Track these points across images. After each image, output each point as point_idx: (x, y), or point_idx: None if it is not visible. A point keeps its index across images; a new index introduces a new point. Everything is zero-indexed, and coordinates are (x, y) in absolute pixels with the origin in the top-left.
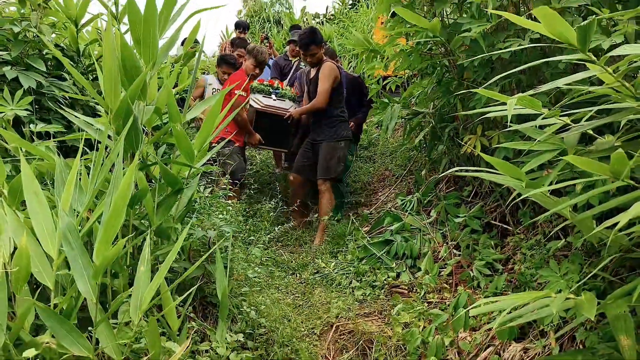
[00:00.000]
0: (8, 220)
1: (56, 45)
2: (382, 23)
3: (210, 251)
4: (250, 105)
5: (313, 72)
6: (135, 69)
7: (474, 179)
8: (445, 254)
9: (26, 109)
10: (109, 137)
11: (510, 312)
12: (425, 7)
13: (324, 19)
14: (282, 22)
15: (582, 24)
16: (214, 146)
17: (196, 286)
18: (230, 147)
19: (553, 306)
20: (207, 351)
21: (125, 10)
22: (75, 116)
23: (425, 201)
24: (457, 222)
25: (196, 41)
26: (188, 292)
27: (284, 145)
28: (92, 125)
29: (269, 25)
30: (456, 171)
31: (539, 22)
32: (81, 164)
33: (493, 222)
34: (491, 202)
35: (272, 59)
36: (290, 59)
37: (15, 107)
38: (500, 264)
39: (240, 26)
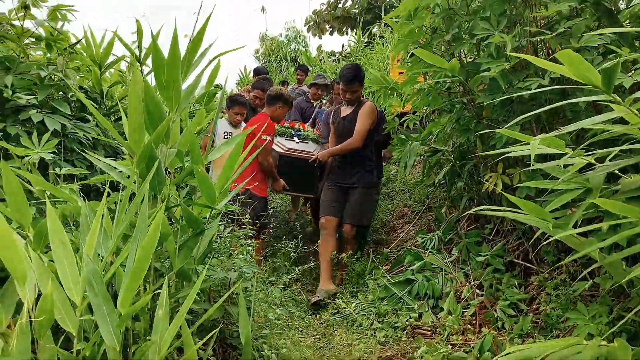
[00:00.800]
0: (33, 265)
1: (80, 88)
2: (398, 61)
3: (230, 292)
4: (272, 149)
5: (347, 111)
6: (159, 113)
7: (496, 216)
8: (468, 294)
9: (51, 152)
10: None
11: None
12: (443, 47)
13: (340, 56)
14: (298, 60)
15: (606, 65)
16: (241, 198)
17: (218, 328)
18: (258, 203)
19: (586, 355)
20: None
21: (149, 53)
22: (98, 159)
23: (446, 239)
24: (479, 261)
25: (216, 85)
26: (210, 335)
27: (310, 190)
28: (115, 168)
29: (286, 63)
30: (479, 210)
31: (560, 63)
32: (105, 207)
33: (516, 260)
34: (513, 240)
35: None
36: (312, 101)
37: (41, 150)
38: (524, 304)
39: (260, 72)
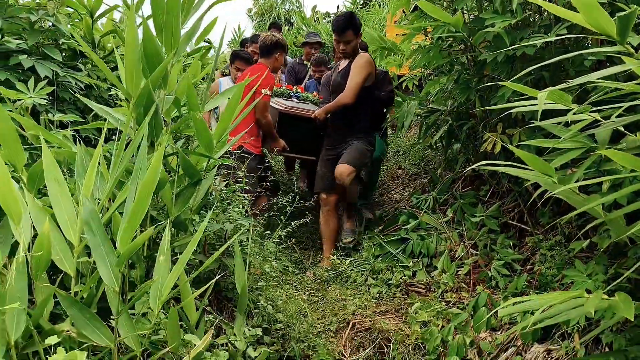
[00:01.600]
0: (29, 206)
1: (71, 37)
2: (395, 21)
3: (227, 244)
4: (271, 107)
5: (343, 65)
6: (157, 57)
7: (492, 177)
8: (462, 254)
9: (44, 98)
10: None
11: (538, 313)
12: (445, 2)
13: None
14: (292, 21)
15: (622, 14)
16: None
17: (215, 278)
18: (252, 162)
19: (589, 307)
20: (224, 345)
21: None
22: (93, 104)
23: (441, 200)
24: (474, 222)
25: (208, 41)
26: (207, 285)
27: (311, 152)
28: (110, 114)
29: (280, 23)
30: (481, 166)
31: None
32: (101, 153)
33: (511, 222)
34: (509, 201)
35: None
36: (305, 62)
37: (34, 95)
38: (518, 265)
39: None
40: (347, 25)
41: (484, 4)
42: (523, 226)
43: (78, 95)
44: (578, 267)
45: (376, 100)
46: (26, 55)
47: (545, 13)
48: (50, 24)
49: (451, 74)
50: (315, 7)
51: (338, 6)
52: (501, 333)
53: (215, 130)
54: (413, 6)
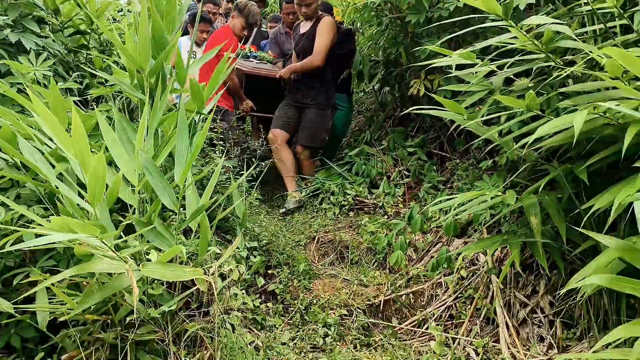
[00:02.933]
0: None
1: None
2: None
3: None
4: (236, 69)
5: (305, 27)
6: (162, 37)
7: (417, 115)
8: (397, 177)
9: (48, 70)
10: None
11: (454, 210)
12: None
13: None
14: None
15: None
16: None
17: (227, 211)
18: (226, 118)
19: (488, 197)
20: (233, 256)
21: None
22: (97, 71)
23: (375, 136)
24: (405, 151)
25: None
26: (223, 213)
27: (275, 109)
28: (122, 82)
29: None
30: (413, 110)
31: None
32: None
33: (434, 151)
34: (431, 134)
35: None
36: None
37: (40, 68)
38: (441, 185)
39: None
40: None
41: None
42: (443, 154)
43: (84, 66)
44: (485, 180)
45: (337, 57)
46: (10, 29)
47: None
48: None
49: (380, 28)
50: None
51: None
52: (430, 235)
53: (205, 91)
54: None
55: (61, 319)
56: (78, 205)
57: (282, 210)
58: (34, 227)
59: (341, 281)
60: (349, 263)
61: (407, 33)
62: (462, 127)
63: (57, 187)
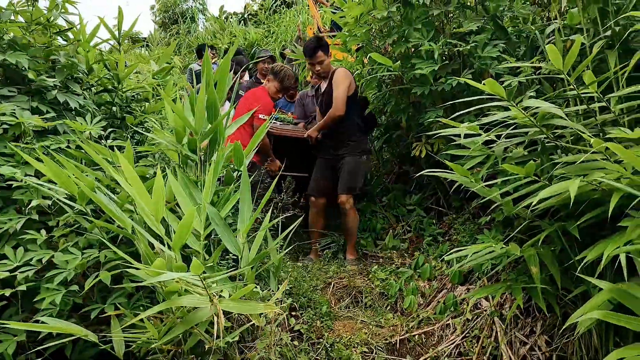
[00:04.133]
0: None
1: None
2: (313, 34)
3: (277, 242)
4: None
5: (324, 86)
6: (215, 107)
7: (415, 174)
8: (401, 231)
9: (102, 129)
10: (193, 151)
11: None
12: (379, 45)
13: (242, 18)
14: (196, 19)
15: (505, 84)
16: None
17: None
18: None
19: (496, 251)
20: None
21: (125, 35)
22: (153, 136)
23: (376, 191)
24: (406, 208)
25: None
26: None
27: (305, 169)
28: (170, 142)
29: (185, 20)
30: (427, 173)
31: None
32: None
33: (431, 206)
34: (429, 191)
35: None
36: (262, 81)
37: (94, 127)
38: (440, 237)
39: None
40: (316, 47)
41: (409, 49)
42: (440, 209)
43: (137, 128)
44: (486, 234)
45: (362, 103)
46: (56, 90)
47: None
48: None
49: (384, 97)
50: (222, 7)
51: (245, 6)
52: (435, 282)
53: (245, 151)
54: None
55: (136, 349)
56: (151, 248)
57: (304, 262)
58: (137, 268)
59: (359, 322)
60: (363, 306)
61: (409, 102)
62: (457, 185)
63: (134, 233)
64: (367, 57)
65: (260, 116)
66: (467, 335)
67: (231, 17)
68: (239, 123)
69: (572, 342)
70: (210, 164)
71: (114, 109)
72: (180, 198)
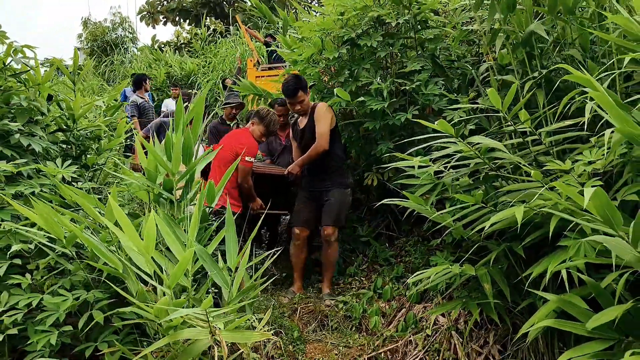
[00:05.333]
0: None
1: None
2: (253, 65)
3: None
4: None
5: (304, 122)
6: (189, 149)
7: (366, 200)
8: (358, 261)
9: (73, 172)
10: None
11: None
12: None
13: (177, 47)
14: (127, 48)
15: (448, 118)
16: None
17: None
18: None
19: (453, 271)
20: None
21: (82, 75)
22: (125, 176)
23: None
24: (361, 240)
25: None
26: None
27: (286, 206)
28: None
29: (114, 50)
30: (386, 202)
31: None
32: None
33: (382, 231)
34: (379, 217)
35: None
36: (228, 123)
37: (64, 171)
38: (393, 259)
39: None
40: (296, 87)
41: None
42: (391, 233)
43: (112, 172)
44: (438, 255)
45: (340, 138)
46: (18, 134)
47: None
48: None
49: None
50: (154, 36)
51: (178, 36)
52: (394, 302)
53: (215, 189)
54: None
55: None
56: (144, 286)
57: (287, 296)
58: (140, 307)
59: (329, 344)
60: (330, 329)
61: (359, 135)
62: (415, 213)
63: (126, 273)
64: (317, 93)
65: (247, 158)
66: (428, 349)
67: (163, 47)
68: (209, 160)
69: (521, 349)
70: (185, 203)
71: (70, 147)
72: (168, 237)
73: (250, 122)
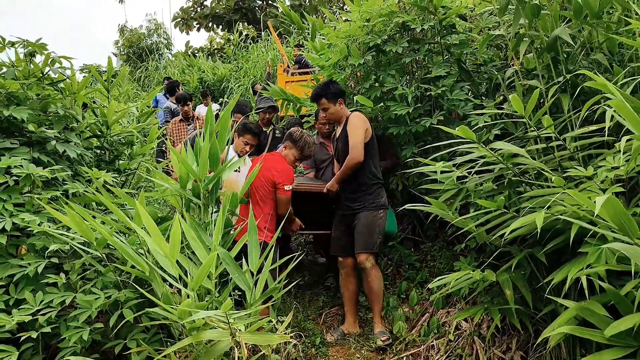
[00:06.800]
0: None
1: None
2: (284, 70)
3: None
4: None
5: (338, 131)
6: (216, 156)
7: (392, 206)
8: (382, 265)
9: (114, 177)
10: (197, 196)
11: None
12: (357, 87)
13: (209, 53)
14: (162, 54)
15: (473, 123)
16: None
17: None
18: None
19: (474, 277)
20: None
21: (118, 82)
22: (160, 181)
23: None
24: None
25: None
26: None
27: (327, 226)
28: (176, 188)
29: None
30: (411, 207)
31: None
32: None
33: (408, 236)
34: (405, 222)
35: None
36: (263, 129)
37: (104, 175)
38: (419, 263)
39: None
40: (318, 94)
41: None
42: (417, 238)
43: (146, 176)
44: (462, 260)
45: (377, 152)
46: (55, 141)
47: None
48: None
49: None
50: (188, 42)
51: (211, 41)
52: (417, 307)
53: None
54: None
55: None
56: (169, 288)
57: (327, 339)
58: (165, 308)
59: (352, 348)
60: (353, 333)
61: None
62: (433, 216)
63: (152, 275)
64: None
65: (286, 187)
66: (450, 354)
67: (197, 52)
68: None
69: (544, 356)
70: (212, 209)
71: (104, 152)
72: (193, 242)
73: (282, 146)
